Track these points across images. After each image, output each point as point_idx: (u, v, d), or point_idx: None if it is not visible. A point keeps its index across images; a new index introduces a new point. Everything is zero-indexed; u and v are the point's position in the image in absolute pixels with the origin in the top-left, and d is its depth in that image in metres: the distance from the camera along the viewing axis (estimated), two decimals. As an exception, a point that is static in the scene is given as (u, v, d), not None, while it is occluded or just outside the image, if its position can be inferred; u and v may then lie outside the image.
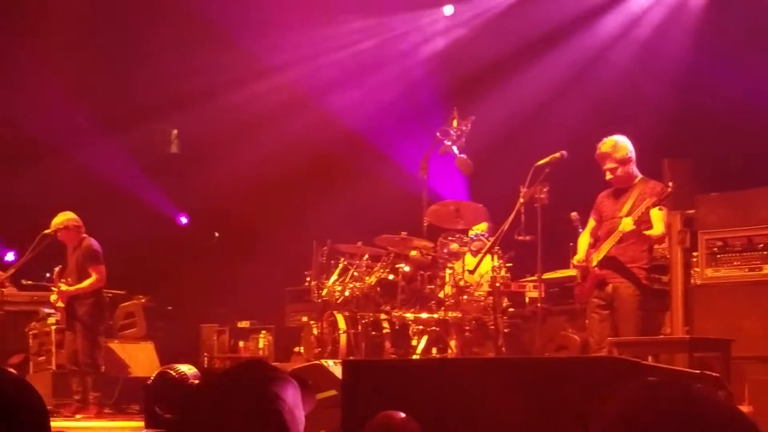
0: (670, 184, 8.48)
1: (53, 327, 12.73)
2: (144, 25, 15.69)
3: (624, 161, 8.74)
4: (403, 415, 4.60)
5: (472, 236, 10.79)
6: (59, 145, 15.84)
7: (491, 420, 5.48)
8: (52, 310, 12.69)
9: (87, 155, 15.97)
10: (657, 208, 8.54)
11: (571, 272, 10.59)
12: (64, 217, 11.90)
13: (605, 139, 8.79)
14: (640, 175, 8.85)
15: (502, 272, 10.29)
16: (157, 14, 15.39)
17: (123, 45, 15.95)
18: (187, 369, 8.04)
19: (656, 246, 9.06)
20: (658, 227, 8.64)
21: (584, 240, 9.07)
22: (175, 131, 18.29)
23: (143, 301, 14.16)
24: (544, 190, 9.16)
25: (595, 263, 8.71)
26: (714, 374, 4.98)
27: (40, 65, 15.48)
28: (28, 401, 2.13)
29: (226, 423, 2.91)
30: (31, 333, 13.01)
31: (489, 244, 10.05)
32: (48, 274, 12.59)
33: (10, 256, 14.83)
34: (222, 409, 2.93)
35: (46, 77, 15.55)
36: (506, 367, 6.32)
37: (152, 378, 8.04)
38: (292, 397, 3.09)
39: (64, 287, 11.73)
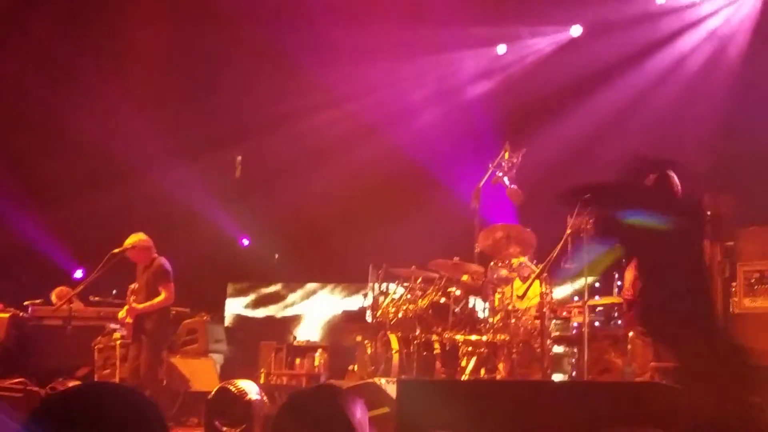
0: (708, 213, 8.47)
1: (118, 342, 12.80)
2: (216, 58, 15.98)
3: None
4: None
5: (521, 263, 10.78)
6: (135, 169, 16.14)
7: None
8: (118, 326, 12.80)
9: (162, 180, 16.23)
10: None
11: (615, 299, 10.59)
12: (135, 238, 12.02)
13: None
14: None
15: (549, 298, 10.28)
16: (229, 48, 15.66)
17: (199, 79, 16.25)
18: (246, 385, 8.15)
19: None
20: None
21: (630, 272, 9.08)
22: (239, 157, 18.45)
23: (205, 318, 14.24)
24: (590, 221, 9.14)
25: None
26: (756, 399, 4.96)
27: (123, 95, 15.82)
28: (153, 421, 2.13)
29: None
30: (96, 347, 13.10)
31: (536, 270, 10.05)
32: (114, 291, 12.71)
33: (78, 274, 15.01)
34: (305, 423, 3.03)
35: (129, 109, 15.88)
36: (553, 390, 6.32)
37: (213, 392, 8.16)
38: (361, 415, 3.19)
39: (135, 304, 11.87)
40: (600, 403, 5.65)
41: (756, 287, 9.00)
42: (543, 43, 14.57)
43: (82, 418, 2.02)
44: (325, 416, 3.12)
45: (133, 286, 12.11)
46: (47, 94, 15.57)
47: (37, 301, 13.80)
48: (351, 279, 13.25)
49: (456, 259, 11.11)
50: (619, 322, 10.43)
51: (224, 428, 7.86)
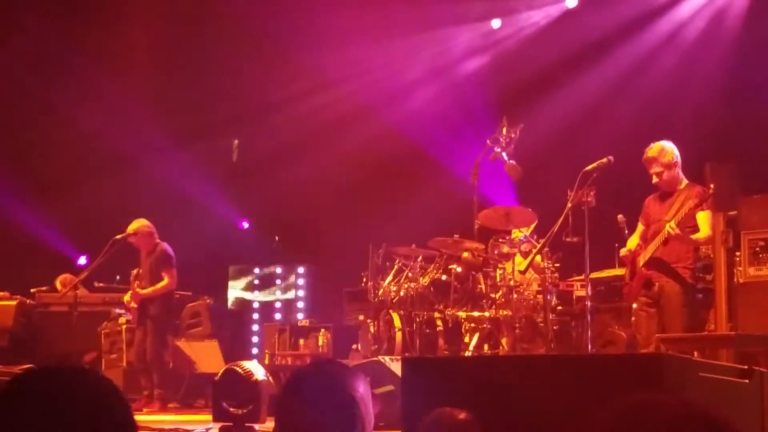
0: (711, 186, 8.43)
1: (124, 326, 12.86)
2: (210, 45, 15.96)
3: (670, 165, 8.72)
4: (462, 415, 4.58)
5: (521, 238, 10.74)
6: (134, 157, 16.15)
7: (542, 415, 5.45)
8: (124, 311, 12.83)
9: (159, 166, 16.22)
10: (704, 211, 8.50)
11: (617, 272, 10.55)
12: (138, 224, 12.06)
13: (652, 144, 8.79)
14: (686, 180, 8.82)
15: (551, 272, 10.25)
16: (221, 35, 15.63)
17: (193, 65, 16.25)
18: (252, 366, 8.12)
19: (702, 247, 9.01)
20: (704, 230, 8.60)
21: (633, 242, 9.07)
22: (236, 141, 18.42)
23: (209, 301, 14.24)
24: (591, 193, 9.08)
25: (642, 263, 8.67)
26: (761, 369, 4.90)
27: (120, 86, 15.82)
28: (113, 412, 1.93)
29: (313, 412, 3.01)
30: (103, 332, 13.14)
31: (538, 245, 10.01)
32: (118, 277, 12.74)
33: (82, 260, 15.00)
34: (308, 400, 3.02)
35: (125, 99, 15.88)
36: (557, 364, 6.27)
37: (220, 374, 8.12)
38: (364, 389, 3.19)
39: (139, 289, 11.88)
40: (606, 376, 5.59)
41: (761, 255, 8.95)
42: (538, 15, 14.46)
43: (29, 407, 1.85)
44: (328, 392, 3.10)
45: (136, 271, 12.14)
46: (44, 86, 15.55)
47: (43, 288, 13.83)
48: (351, 259, 13.20)
49: (456, 236, 11.09)
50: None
51: (231, 409, 7.83)
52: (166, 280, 11.90)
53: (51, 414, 1.82)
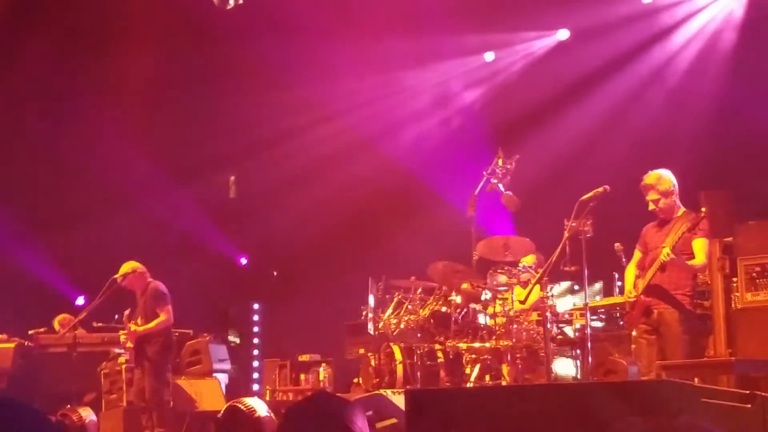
0: (703, 209, 8.53)
1: (124, 366, 12.84)
2: (205, 82, 16.06)
3: (667, 193, 8.82)
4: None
5: (521, 268, 10.80)
6: (131, 195, 16.20)
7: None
8: (122, 350, 12.83)
9: (158, 204, 16.28)
10: (700, 238, 8.59)
11: (616, 299, 10.62)
12: (128, 267, 12.09)
13: (650, 172, 8.90)
14: (683, 208, 8.92)
15: (550, 302, 10.29)
16: (219, 68, 15.73)
17: (189, 102, 16.33)
18: (255, 402, 8.14)
19: (699, 274, 9.11)
20: (699, 257, 8.69)
21: (630, 272, 9.13)
22: (232, 177, 18.49)
23: (208, 338, 14.25)
24: (588, 223, 9.16)
25: (640, 291, 8.74)
26: (763, 394, 4.96)
27: (116, 124, 15.90)
28: None
29: None
30: (102, 372, 13.14)
31: (537, 275, 10.06)
32: (117, 316, 12.77)
33: (80, 300, 15.04)
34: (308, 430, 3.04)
35: (122, 136, 15.96)
36: (559, 392, 6.32)
37: (222, 411, 8.14)
38: (362, 423, 3.20)
39: (133, 327, 11.89)
40: (609, 403, 5.64)
41: (758, 281, 9.05)
42: (531, 48, 14.65)
43: None
44: (324, 425, 3.12)
45: (128, 311, 12.15)
46: (42, 124, 15.65)
47: (41, 329, 13.83)
48: (350, 292, 13.24)
49: (459, 267, 11.14)
50: (621, 323, 10.44)
51: (235, 446, 7.84)
52: (162, 317, 11.91)
53: None
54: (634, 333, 9.37)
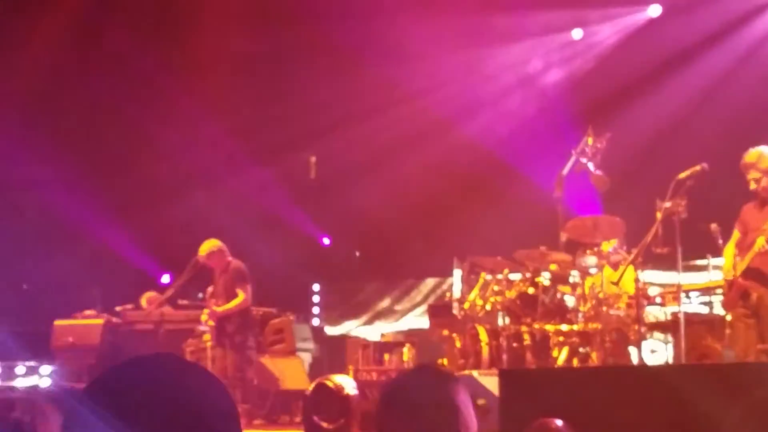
0: None
1: (208, 344, 12.97)
2: (286, 60, 16.11)
3: (768, 172, 8.60)
4: (560, 422, 4.59)
5: (610, 249, 10.66)
6: (214, 174, 16.36)
7: (637, 425, 5.43)
8: (206, 328, 12.96)
9: (240, 184, 16.42)
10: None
11: (710, 283, 10.41)
12: (208, 245, 12.19)
13: (751, 150, 8.67)
14: (786, 187, 8.68)
15: (642, 283, 10.12)
16: (298, 50, 15.77)
17: (270, 82, 16.40)
18: (343, 380, 8.19)
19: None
20: None
21: (729, 252, 8.94)
22: (313, 158, 18.55)
23: (292, 318, 14.33)
24: (682, 203, 9.00)
25: (738, 273, 8.56)
26: None
27: (198, 103, 16.04)
28: (219, 403, 1.90)
29: (415, 417, 3.02)
30: (188, 350, 13.28)
31: (629, 256, 9.92)
32: (200, 294, 12.90)
33: (165, 278, 15.22)
34: (410, 405, 3.03)
35: (205, 116, 16.11)
36: (653, 375, 6.24)
37: (311, 388, 8.20)
38: (464, 397, 3.19)
39: (215, 307, 12.02)
40: (702, 387, 5.55)
41: None
42: (620, 24, 14.42)
43: (129, 395, 1.82)
44: (429, 397, 3.11)
45: (210, 289, 12.28)
46: (126, 105, 15.86)
47: (129, 306, 14.02)
48: (435, 273, 13.22)
49: (542, 248, 11.04)
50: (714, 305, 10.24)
51: (323, 423, 7.90)
52: (241, 296, 12.01)
53: (153, 401, 1.81)
54: (728, 317, 9.19)
